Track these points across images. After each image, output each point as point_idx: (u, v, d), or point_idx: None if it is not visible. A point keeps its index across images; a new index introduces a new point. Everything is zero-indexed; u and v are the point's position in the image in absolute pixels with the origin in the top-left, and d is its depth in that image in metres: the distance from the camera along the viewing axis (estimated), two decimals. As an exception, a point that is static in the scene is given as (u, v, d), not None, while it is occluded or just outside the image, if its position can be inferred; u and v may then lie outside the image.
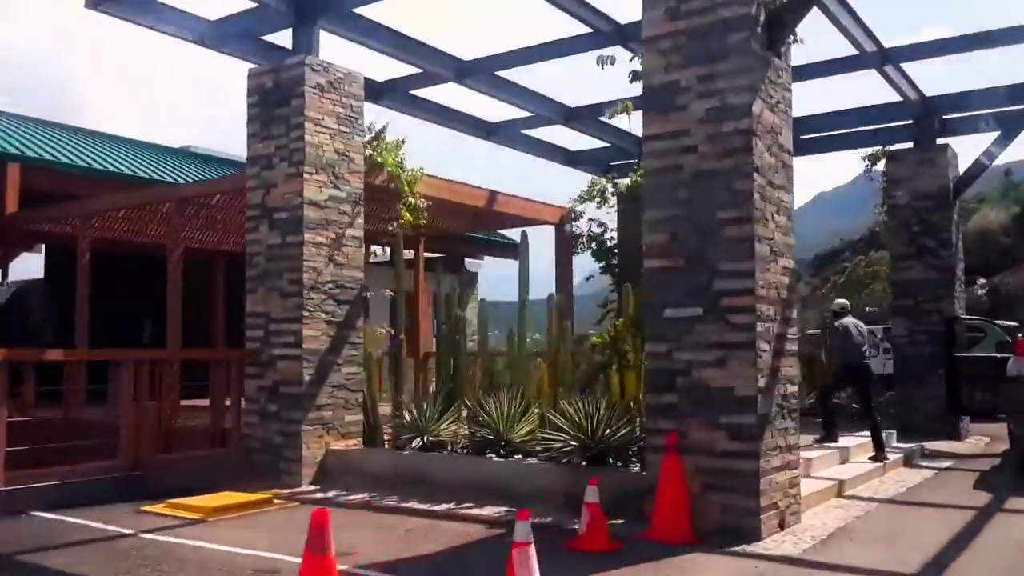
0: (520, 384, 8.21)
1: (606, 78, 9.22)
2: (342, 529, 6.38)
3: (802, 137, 14.39)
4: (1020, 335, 9.06)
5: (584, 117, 13.74)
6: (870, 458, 9.04)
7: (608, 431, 6.93)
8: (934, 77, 13.30)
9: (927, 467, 9.52)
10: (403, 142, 10.64)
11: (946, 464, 9.72)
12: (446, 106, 12.84)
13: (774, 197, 6.26)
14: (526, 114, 13.43)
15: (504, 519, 6.61)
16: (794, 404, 6.40)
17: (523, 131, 14.18)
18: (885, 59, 10.93)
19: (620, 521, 6.31)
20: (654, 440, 6.18)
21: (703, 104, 6.19)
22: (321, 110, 8.61)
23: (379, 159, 9.74)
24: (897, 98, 12.30)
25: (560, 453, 7.09)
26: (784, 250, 6.39)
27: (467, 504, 7.08)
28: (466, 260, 22.74)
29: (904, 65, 11.68)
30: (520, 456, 7.56)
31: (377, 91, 11.98)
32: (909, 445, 10.41)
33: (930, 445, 10.83)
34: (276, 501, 7.18)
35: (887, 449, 9.27)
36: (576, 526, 5.81)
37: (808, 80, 12.12)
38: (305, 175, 8.42)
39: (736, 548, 5.55)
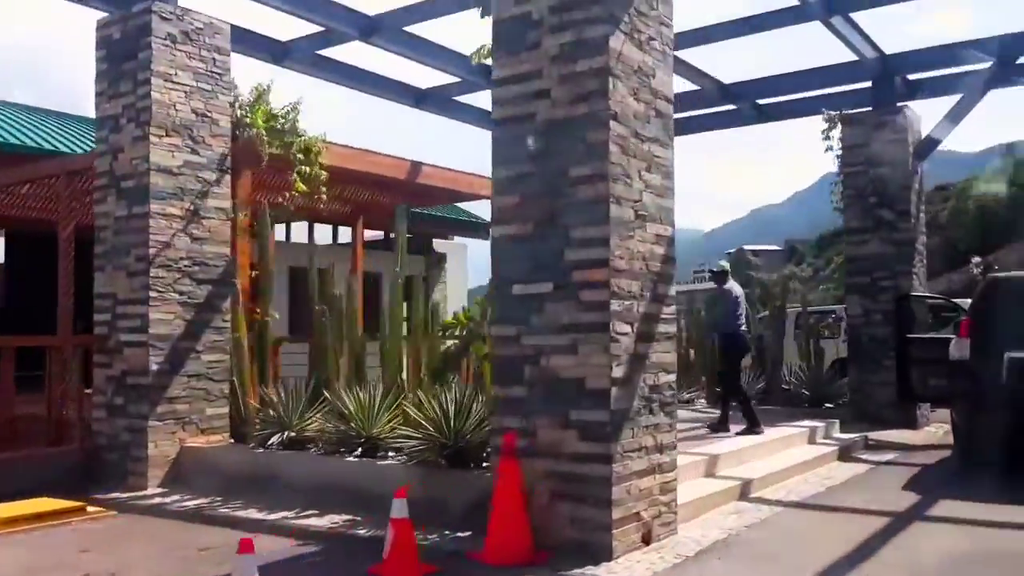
0: (393, 372, 7.27)
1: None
2: (131, 544, 5.51)
3: (760, 102, 13.45)
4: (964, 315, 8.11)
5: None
6: (739, 432, 8.42)
7: (464, 427, 5.99)
8: (909, 33, 12.17)
9: (866, 461, 8.58)
10: (298, 105, 9.63)
11: (888, 457, 8.78)
12: (364, 69, 11.84)
13: (642, 151, 5.27)
14: (454, 79, 12.42)
15: (338, 531, 5.70)
16: (669, 396, 5.44)
17: (455, 98, 13.20)
18: (831, 9, 9.90)
19: (468, 533, 5.42)
20: (500, 441, 5.23)
21: (556, 39, 5.18)
22: (174, 64, 7.62)
23: (248, 119, 8.74)
24: (854, 57, 11.32)
25: (414, 452, 6.16)
26: (658, 214, 5.41)
27: (310, 511, 6.17)
28: (435, 241, 21.80)
29: (862, 21, 10.66)
30: (384, 454, 6.63)
31: (278, 52, 11.03)
32: (850, 436, 9.47)
33: (877, 435, 9.89)
34: (91, 509, 6.26)
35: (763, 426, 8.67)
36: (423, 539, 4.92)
37: (751, 35, 11.14)
38: (153, 138, 7.46)
39: (578, 570, 4.62)
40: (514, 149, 5.34)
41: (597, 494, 4.86)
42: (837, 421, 9.78)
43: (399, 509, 4.51)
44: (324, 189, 10.06)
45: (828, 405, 11.35)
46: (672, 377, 5.49)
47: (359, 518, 5.93)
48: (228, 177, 8.07)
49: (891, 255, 11.35)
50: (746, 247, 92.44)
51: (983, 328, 7.51)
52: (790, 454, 8.05)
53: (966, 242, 55.92)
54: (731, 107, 13.74)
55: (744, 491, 6.61)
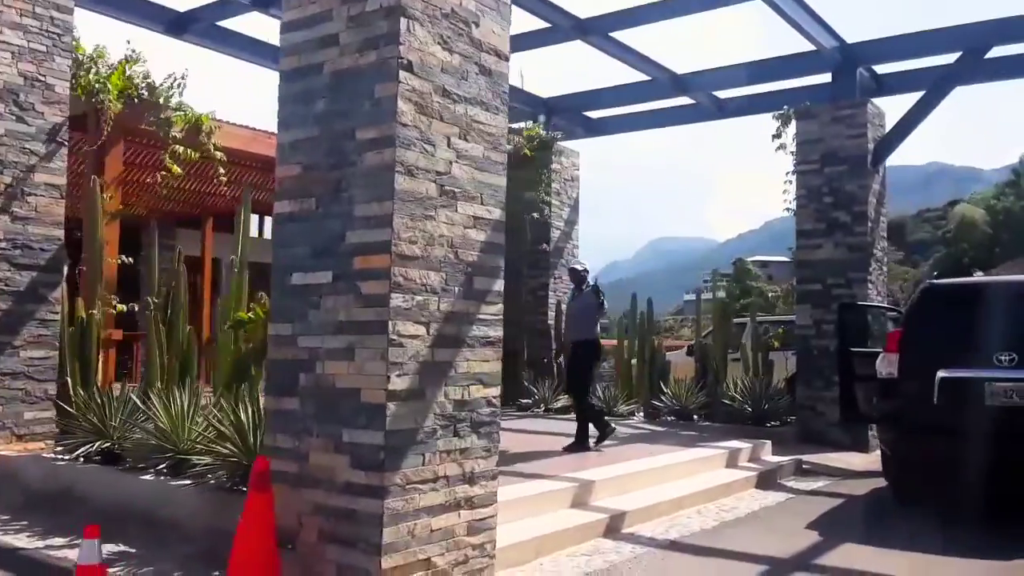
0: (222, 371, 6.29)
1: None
2: None
3: (719, 96, 12.49)
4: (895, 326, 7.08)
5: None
6: (565, 448, 7.74)
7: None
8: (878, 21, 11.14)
9: (788, 489, 7.57)
10: (182, 78, 8.70)
11: (816, 485, 7.76)
12: (265, 42, 10.86)
13: (453, 113, 4.30)
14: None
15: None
16: (487, 415, 4.45)
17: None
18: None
19: None
20: (274, 464, 4.26)
21: (348, -26, 4.23)
22: (-3, 20, 6.71)
23: (91, 82, 7.79)
24: (812, 47, 10.33)
25: (206, 469, 5.19)
26: (477, 193, 4.43)
27: (74, 539, 5.21)
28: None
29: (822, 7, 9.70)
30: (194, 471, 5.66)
31: (176, 22, 10.13)
32: (781, 459, 8.45)
33: (817, 458, 8.87)
34: None
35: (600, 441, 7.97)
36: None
37: (683, 16, 10.19)
38: (-36, 102, 6.55)
39: (325, 634, 3.64)
40: (299, 108, 4.38)
41: (367, 536, 3.87)
42: (768, 442, 8.76)
43: (89, 553, 3.53)
44: (222, 172, 9.19)
45: (772, 423, 10.31)
46: (492, 391, 4.50)
47: (135, 550, 4.97)
48: (64, 150, 7.13)
49: (845, 261, 10.34)
50: (756, 258, 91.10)
51: (915, 342, 6.48)
52: (696, 480, 7.04)
53: (971, 255, 54.75)
54: (690, 101, 12.82)
55: (613, 526, 5.61)
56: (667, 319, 61.61)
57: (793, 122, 10.91)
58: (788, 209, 10.96)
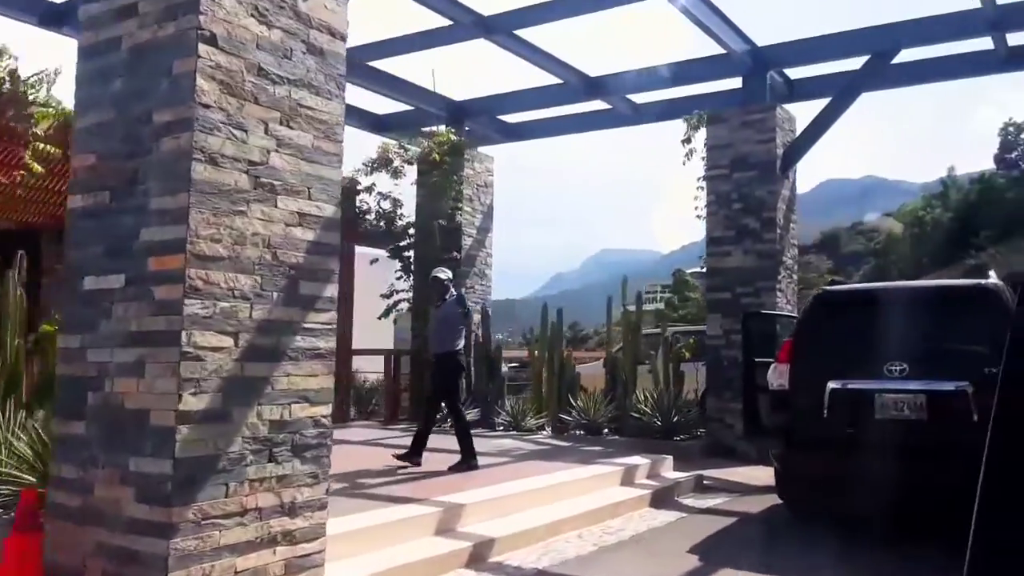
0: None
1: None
2: None
3: (634, 100, 12.20)
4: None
5: (358, 67, 11.24)
6: (451, 468, 7.14)
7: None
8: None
9: (684, 507, 7.20)
10: (55, 73, 8.02)
11: (713, 503, 7.42)
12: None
13: (272, 96, 3.81)
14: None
15: None
16: (313, 437, 3.95)
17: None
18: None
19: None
20: (58, 497, 3.69)
21: (150, -63, 3.72)
22: None
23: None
24: (723, 51, 10.10)
25: (6, 500, 4.59)
26: (303, 186, 3.95)
27: None
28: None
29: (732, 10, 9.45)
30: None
31: (53, 13, 9.45)
32: (683, 475, 8.10)
33: (721, 473, 8.55)
34: None
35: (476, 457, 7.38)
36: None
37: (589, 14, 9.86)
38: None
39: None
40: (96, 89, 3.84)
41: (152, 581, 3.34)
42: (669, 458, 8.40)
43: None
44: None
45: (681, 437, 9.98)
46: (321, 410, 4.00)
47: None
48: None
49: (755, 268, 10.10)
50: (694, 269, 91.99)
51: (806, 352, 6.18)
52: (584, 500, 6.62)
53: (899, 267, 55.95)
54: (606, 107, 12.53)
55: (479, 554, 5.14)
56: (602, 331, 61.62)
57: (703, 127, 10.67)
58: (699, 216, 10.70)
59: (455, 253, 12.39)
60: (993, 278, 6.02)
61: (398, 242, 12.47)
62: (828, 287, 6.61)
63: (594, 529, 6.16)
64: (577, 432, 10.55)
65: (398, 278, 12.53)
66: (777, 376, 6.19)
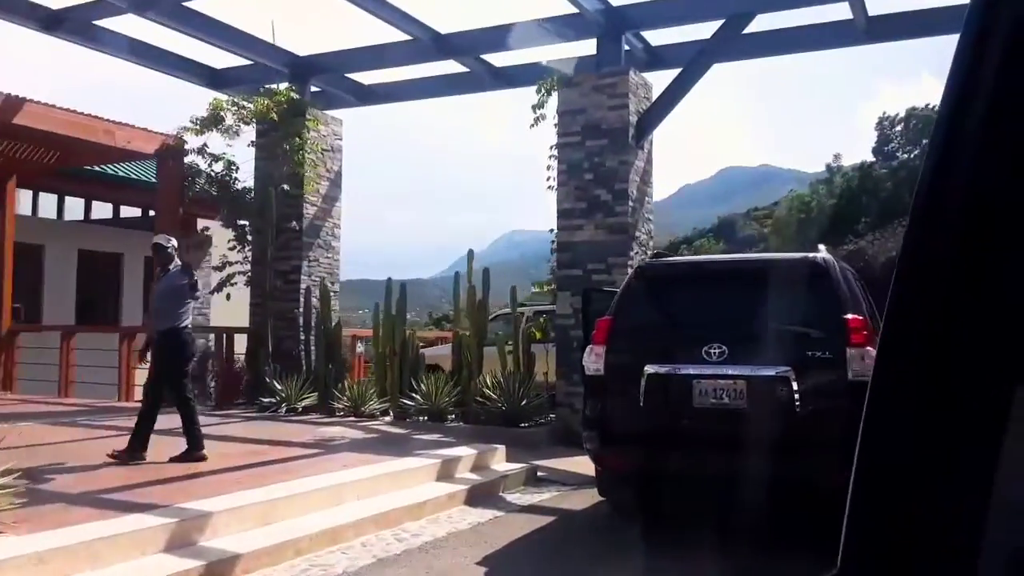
0: None
1: None
2: None
3: (489, 61, 11.38)
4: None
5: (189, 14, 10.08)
6: (172, 458, 6.41)
7: None
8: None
9: (506, 504, 6.52)
10: None
11: (540, 498, 6.76)
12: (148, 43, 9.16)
13: None
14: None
15: None
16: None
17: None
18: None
19: None
20: None
21: None
22: None
23: None
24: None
25: None
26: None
27: None
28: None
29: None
30: None
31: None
32: (514, 467, 7.41)
33: (558, 463, 7.89)
34: None
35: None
36: None
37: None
38: None
39: None
40: None
41: None
42: (500, 448, 7.70)
43: None
44: None
45: (528, 424, 9.30)
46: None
47: None
48: None
49: (606, 243, 9.47)
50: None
51: (624, 333, 5.52)
52: (382, 500, 5.83)
53: (786, 250, 57.41)
54: (464, 69, 11.67)
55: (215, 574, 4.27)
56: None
57: (555, 92, 9.94)
58: (550, 187, 9.99)
59: (294, 223, 11.37)
60: (823, 252, 5.47)
61: (233, 208, 11.34)
62: (648, 260, 5.93)
63: (386, 534, 5.38)
64: (420, 419, 9.76)
65: (231, 248, 11.41)
66: (593, 360, 5.50)
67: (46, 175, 12.95)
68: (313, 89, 12.43)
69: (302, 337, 11.16)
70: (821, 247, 5.61)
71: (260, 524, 4.93)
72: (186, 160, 11.54)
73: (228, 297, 11.35)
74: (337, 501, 5.57)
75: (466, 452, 7.24)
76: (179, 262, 6.83)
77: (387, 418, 10.03)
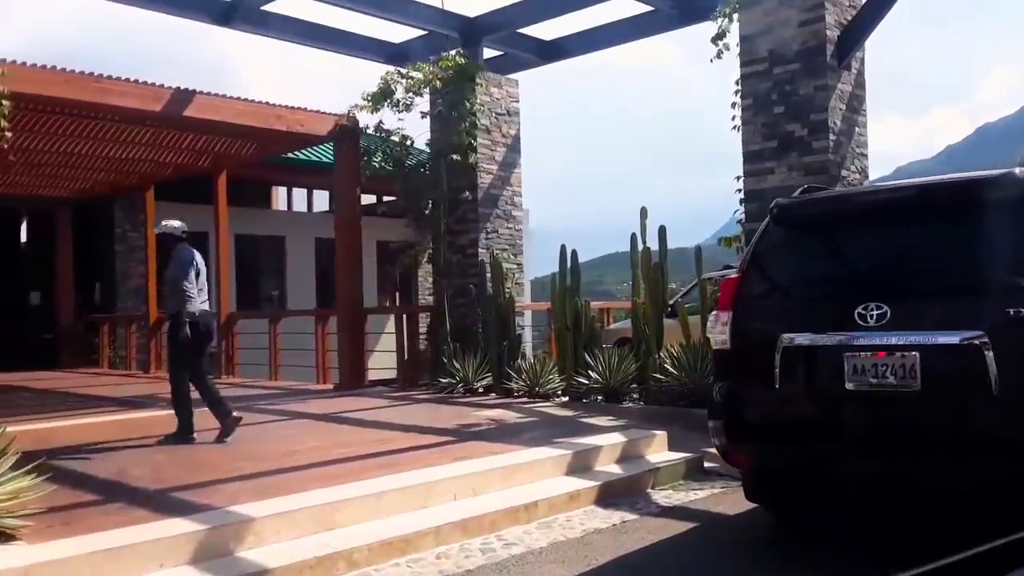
0: None
1: None
2: None
3: None
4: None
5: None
6: (159, 441, 6.44)
7: None
8: None
9: (652, 502, 5.44)
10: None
11: (696, 496, 5.58)
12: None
13: None
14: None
15: None
16: None
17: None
18: None
19: None
20: None
21: None
22: None
23: None
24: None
25: None
26: None
27: None
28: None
29: None
30: None
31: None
32: (674, 457, 6.26)
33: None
34: None
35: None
36: None
37: None
38: None
39: None
40: None
41: None
42: (660, 434, 6.52)
43: None
44: (5, 124, 7.64)
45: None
46: None
47: None
48: None
49: (801, 187, 7.86)
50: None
51: (758, 292, 4.21)
52: (483, 500, 5.00)
53: None
54: (647, 8, 10.48)
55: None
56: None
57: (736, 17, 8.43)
58: (735, 128, 8.53)
59: (467, 193, 10.81)
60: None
61: (408, 184, 11.02)
62: (786, 200, 4.47)
63: (474, 543, 4.54)
64: (595, 399, 8.81)
65: (407, 226, 11.10)
66: (718, 329, 4.25)
67: (249, 166, 13.47)
68: (493, 54, 11.82)
69: (480, 314, 10.60)
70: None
71: (318, 530, 4.30)
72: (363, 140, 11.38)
73: (414, 274, 11.07)
74: (424, 502, 4.81)
75: (612, 440, 6.21)
76: (185, 245, 6.71)
77: (564, 398, 9.19)
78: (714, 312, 4.35)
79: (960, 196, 3.77)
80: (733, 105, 8.56)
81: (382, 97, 10.77)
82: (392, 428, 7.19)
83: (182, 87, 9.49)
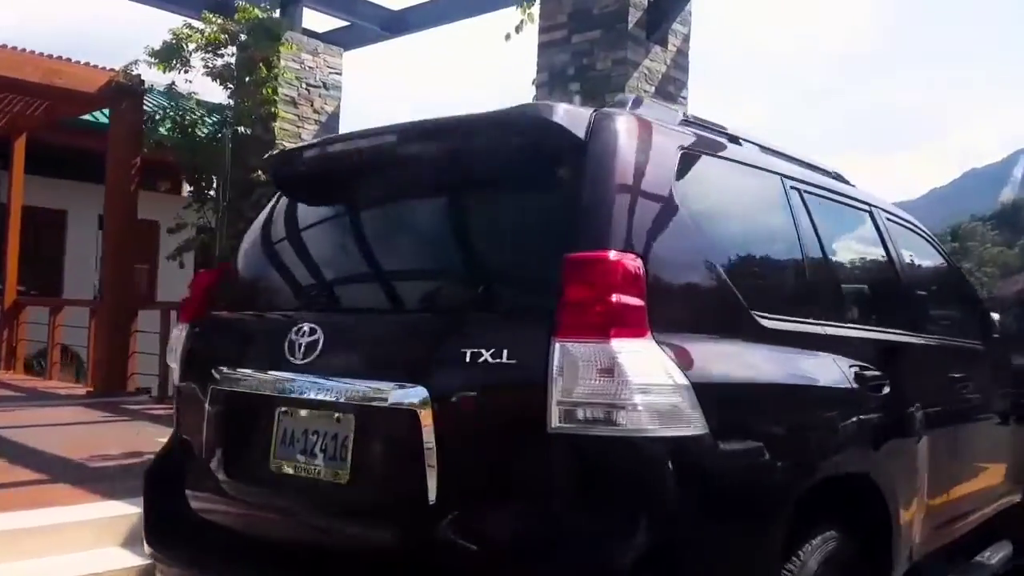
0: None
1: None
2: None
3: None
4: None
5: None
6: None
7: None
8: None
9: None
10: None
11: None
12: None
13: None
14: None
15: None
16: None
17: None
18: None
19: None
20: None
21: None
22: None
23: None
24: None
25: None
26: None
27: None
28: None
29: None
30: None
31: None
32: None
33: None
34: None
35: None
36: None
37: None
38: None
39: None
40: None
41: None
42: None
43: None
44: None
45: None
46: None
47: None
48: None
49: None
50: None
51: (229, 300, 2.64)
52: None
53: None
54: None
55: None
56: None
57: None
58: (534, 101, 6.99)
59: (260, 173, 9.18)
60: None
61: (194, 158, 9.40)
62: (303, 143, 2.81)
63: None
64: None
65: (186, 207, 9.45)
66: (169, 355, 2.65)
67: (49, 129, 11.71)
68: (336, 24, 10.23)
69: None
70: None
71: None
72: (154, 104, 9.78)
73: (181, 265, 9.43)
74: None
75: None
76: None
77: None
78: (179, 326, 2.74)
79: (451, 145, 2.19)
80: (533, 83, 7.05)
81: (168, 54, 9.13)
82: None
83: None
